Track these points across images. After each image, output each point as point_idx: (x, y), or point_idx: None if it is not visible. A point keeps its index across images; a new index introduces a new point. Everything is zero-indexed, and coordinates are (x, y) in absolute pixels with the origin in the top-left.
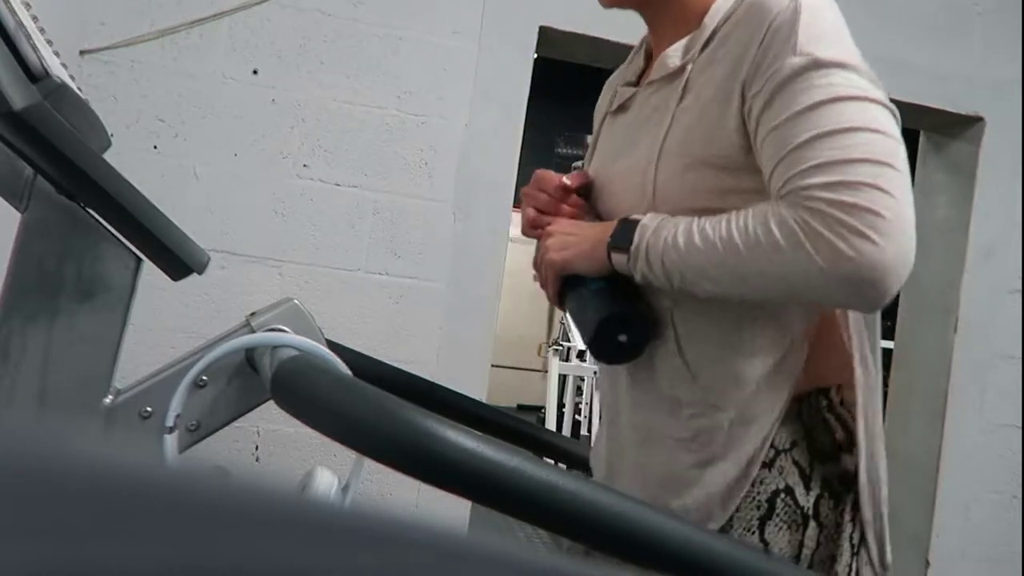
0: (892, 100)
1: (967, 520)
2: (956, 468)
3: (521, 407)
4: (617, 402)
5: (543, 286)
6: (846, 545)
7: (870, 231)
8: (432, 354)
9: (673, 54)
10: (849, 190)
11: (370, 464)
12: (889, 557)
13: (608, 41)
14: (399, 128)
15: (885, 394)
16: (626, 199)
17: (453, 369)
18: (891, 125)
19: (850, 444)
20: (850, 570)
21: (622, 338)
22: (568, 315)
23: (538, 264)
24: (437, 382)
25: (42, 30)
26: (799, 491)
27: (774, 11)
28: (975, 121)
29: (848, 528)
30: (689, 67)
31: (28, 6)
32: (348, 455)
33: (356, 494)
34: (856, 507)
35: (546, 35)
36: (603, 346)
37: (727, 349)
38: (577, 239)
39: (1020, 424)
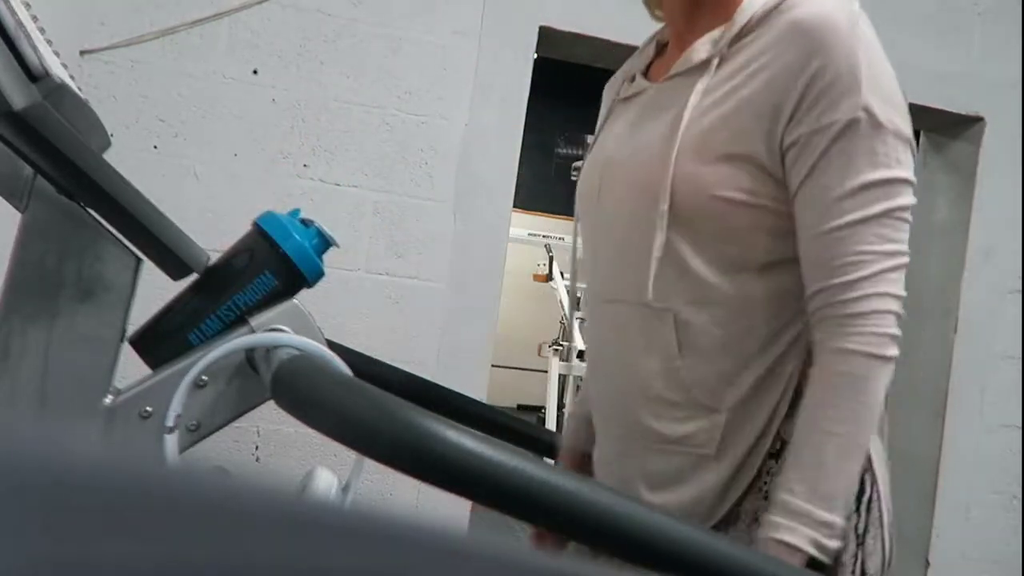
0: None
1: (967, 520)
2: (956, 468)
3: (521, 407)
4: (610, 400)
5: None
6: (852, 535)
7: (898, 338)
8: (432, 354)
9: (700, 48)
10: (893, 301)
11: (370, 464)
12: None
13: (608, 41)
14: (399, 128)
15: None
16: (638, 183)
17: (453, 369)
18: (911, 202)
19: None
20: (856, 560)
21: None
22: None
23: None
24: (437, 382)
25: (42, 30)
26: None
27: (830, 41)
28: (975, 121)
29: (853, 518)
30: (715, 61)
31: (28, 6)
32: (348, 455)
33: (356, 494)
34: (859, 497)
35: (546, 35)
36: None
37: (723, 353)
38: None
39: (1020, 424)
